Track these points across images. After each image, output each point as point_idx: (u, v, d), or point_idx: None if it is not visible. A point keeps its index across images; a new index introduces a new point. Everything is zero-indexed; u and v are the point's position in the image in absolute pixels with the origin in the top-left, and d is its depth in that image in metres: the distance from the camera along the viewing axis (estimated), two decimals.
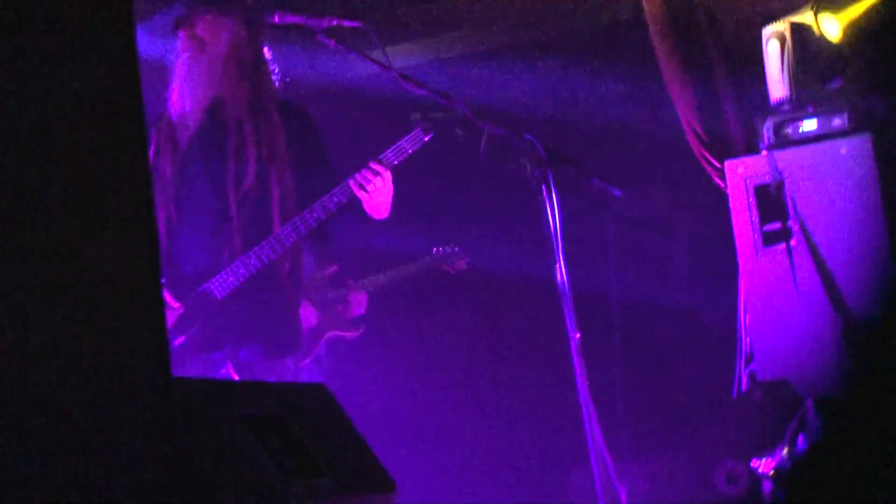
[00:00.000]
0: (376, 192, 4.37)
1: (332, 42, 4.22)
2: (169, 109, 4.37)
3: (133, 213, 1.99)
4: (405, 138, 4.55)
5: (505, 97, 6.11)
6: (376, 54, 4.31)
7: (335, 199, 4.35)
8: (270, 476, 2.36)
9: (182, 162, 4.33)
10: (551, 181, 4.20)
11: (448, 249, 5.87)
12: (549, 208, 4.17)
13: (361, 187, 4.34)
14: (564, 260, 4.12)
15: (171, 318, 4.17)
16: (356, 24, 4.25)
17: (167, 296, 4.20)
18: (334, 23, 4.23)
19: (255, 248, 4.28)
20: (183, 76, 4.31)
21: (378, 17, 6.27)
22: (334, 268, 5.59)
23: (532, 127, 4.44)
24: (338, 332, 5.55)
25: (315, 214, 4.33)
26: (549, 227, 4.15)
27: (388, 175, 4.38)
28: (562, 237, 4.14)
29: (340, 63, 5.57)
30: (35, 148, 1.86)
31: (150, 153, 4.22)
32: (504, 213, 6.26)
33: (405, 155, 4.51)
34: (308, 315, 5.37)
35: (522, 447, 6.46)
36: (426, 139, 4.54)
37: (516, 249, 6.14)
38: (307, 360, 5.33)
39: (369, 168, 4.35)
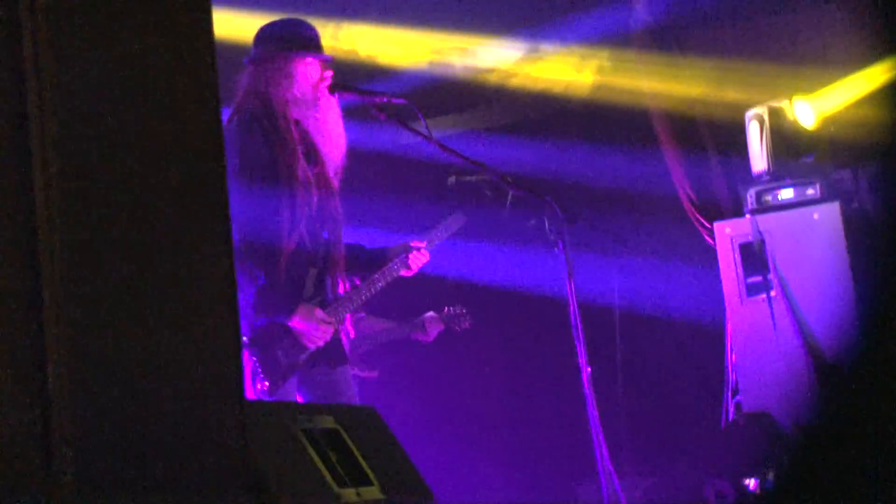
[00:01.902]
0: (417, 268, 4.36)
1: (382, 116, 4.21)
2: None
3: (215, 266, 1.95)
4: (447, 222, 4.56)
5: (528, 163, 6.08)
6: (419, 126, 4.30)
7: (391, 275, 4.33)
8: (325, 484, 2.32)
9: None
10: (566, 236, 4.17)
11: (456, 310, 5.68)
12: (563, 260, 4.14)
13: (407, 267, 4.33)
14: (576, 302, 4.09)
15: (328, 334, 4.09)
16: (403, 101, 4.25)
17: (323, 314, 4.05)
18: (385, 100, 4.23)
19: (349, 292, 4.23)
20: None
21: (420, 95, 6.28)
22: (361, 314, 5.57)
23: (551, 190, 4.41)
24: (356, 372, 5.48)
25: (379, 283, 4.31)
26: (564, 275, 4.12)
27: (428, 256, 4.38)
28: (574, 283, 4.10)
29: (390, 133, 5.57)
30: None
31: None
32: (524, 257, 6.19)
33: (445, 237, 4.53)
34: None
35: (535, 460, 6.38)
36: (463, 222, 4.56)
37: (534, 282, 6.04)
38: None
39: (417, 252, 4.33)
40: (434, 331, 5.61)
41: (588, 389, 3.97)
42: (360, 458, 2.46)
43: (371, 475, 2.43)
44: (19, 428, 1.65)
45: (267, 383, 3.93)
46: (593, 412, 3.95)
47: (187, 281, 1.89)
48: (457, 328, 5.69)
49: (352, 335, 4.23)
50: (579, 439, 4.33)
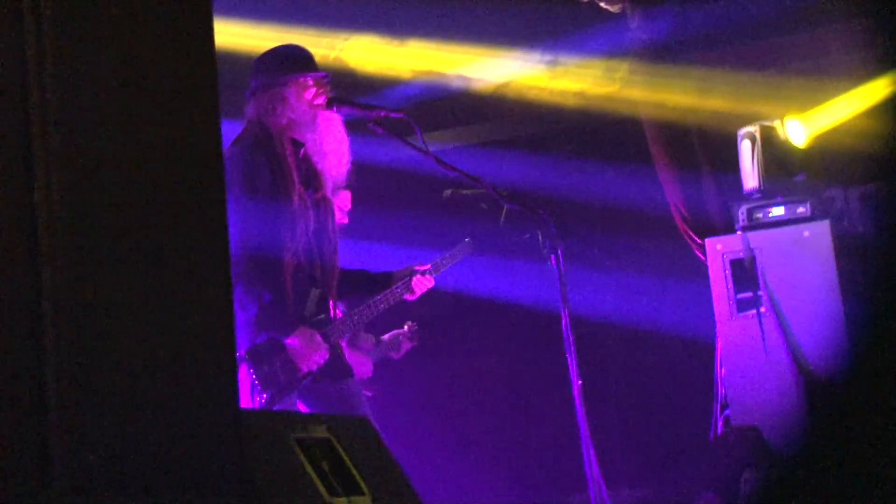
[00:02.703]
0: (420, 292, 4.41)
1: (380, 130, 4.23)
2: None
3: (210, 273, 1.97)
4: (454, 250, 4.61)
5: (522, 178, 6.10)
6: (415, 140, 4.32)
7: (394, 298, 4.37)
8: (317, 493, 2.33)
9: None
10: (560, 251, 4.19)
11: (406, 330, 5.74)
12: (557, 274, 4.16)
13: (411, 291, 4.37)
14: (569, 316, 4.11)
15: (323, 359, 4.11)
16: (400, 115, 4.26)
17: (320, 339, 4.08)
18: (382, 114, 4.25)
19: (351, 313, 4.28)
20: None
21: (418, 109, 6.30)
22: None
23: (544, 204, 4.43)
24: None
25: (381, 305, 4.35)
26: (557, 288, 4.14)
27: (433, 282, 4.42)
28: (567, 297, 4.12)
29: (387, 147, 5.59)
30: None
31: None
32: (518, 270, 6.20)
33: (451, 264, 4.57)
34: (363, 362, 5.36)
35: (526, 472, 6.38)
36: (470, 251, 4.60)
37: (527, 295, 6.06)
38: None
39: (421, 276, 4.37)
40: (405, 347, 5.67)
41: (579, 402, 3.99)
42: (353, 468, 2.47)
43: (363, 485, 2.45)
44: (16, 437, 1.66)
45: (265, 396, 3.95)
46: (584, 425, 3.96)
47: (184, 292, 1.91)
48: (396, 356, 5.71)
49: (347, 355, 4.25)
50: (570, 452, 4.35)
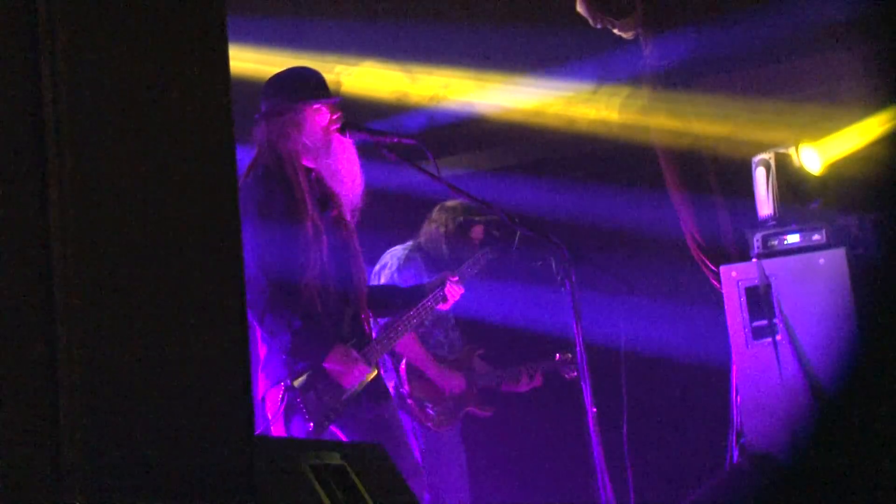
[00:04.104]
0: (453, 300, 4.46)
1: (392, 155, 4.24)
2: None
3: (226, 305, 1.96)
4: (476, 257, 4.73)
5: (535, 204, 6.10)
6: (428, 166, 4.33)
7: (428, 310, 4.44)
8: None
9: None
10: (573, 277, 4.17)
11: (568, 357, 5.70)
12: (570, 300, 4.15)
13: (444, 300, 4.42)
14: (582, 342, 4.09)
15: (364, 374, 4.09)
16: (412, 142, 4.27)
17: (357, 354, 4.06)
18: (395, 140, 4.26)
19: (386, 331, 4.30)
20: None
21: (430, 135, 6.32)
22: (481, 350, 5.60)
23: (557, 230, 4.42)
24: (475, 410, 5.50)
25: (415, 320, 4.39)
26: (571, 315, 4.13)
27: (463, 289, 4.48)
28: (581, 324, 4.11)
29: (400, 173, 5.60)
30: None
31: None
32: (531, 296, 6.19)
33: (475, 273, 4.62)
34: (457, 384, 5.34)
35: (540, 500, 6.35)
36: (490, 258, 4.66)
37: (541, 321, 6.04)
38: (449, 428, 5.27)
39: (452, 284, 4.43)
40: (525, 383, 5.66)
41: (593, 430, 3.97)
42: (367, 496, 2.45)
43: None
44: (30, 452, 1.66)
45: (311, 425, 3.93)
46: (598, 453, 3.94)
47: (198, 311, 1.90)
48: (566, 376, 5.69)
49: (379, 371, 4.25)
50: (584, 479, 4.32)
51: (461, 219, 5.46)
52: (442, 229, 5.48)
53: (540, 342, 5.79)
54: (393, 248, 5.56)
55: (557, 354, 5.71)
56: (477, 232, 5.49)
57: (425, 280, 5.02)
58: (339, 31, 6.09)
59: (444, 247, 5.45)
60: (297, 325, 3.94)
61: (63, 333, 1.70)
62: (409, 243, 5.53)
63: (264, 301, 3.91)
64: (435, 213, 5.56)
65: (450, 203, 5.56)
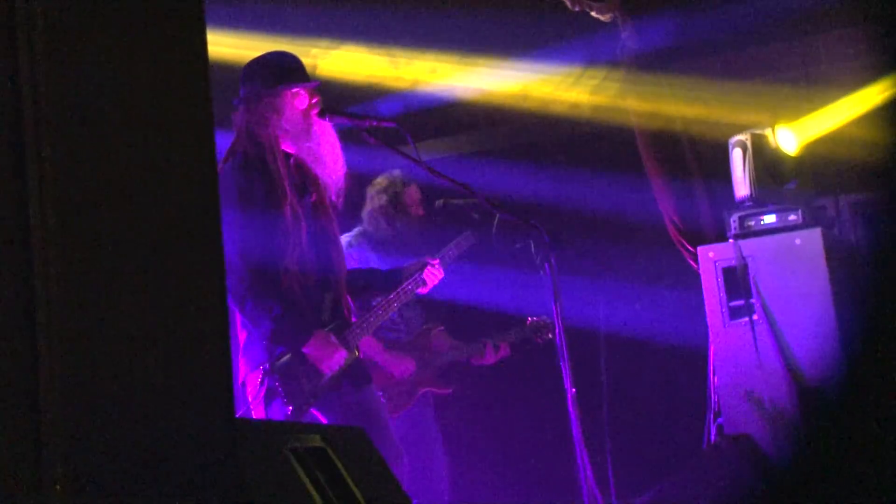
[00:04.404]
0: (432, 284, 4.46)
1: (372, 139, 4.24)
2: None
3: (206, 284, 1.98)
4: (457, 241, 4.68)
5: (515, 187, 6.12)
6: (408, 150, 4.33)
7: (407, 293, 4.44)
8: (313, 503, 2.33)
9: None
10: (553, 260, 4.19)
11: (541, 321, 5.65)
12: (550, 283, 4.17)
13: (424, 284, 4.44)
14: (562, 324, 4.11)
15: (343, 359, 4.12)
16: (392, 124, 4.28)
17: (336, 339, 4.09)
18: (374, 124, 4.26)
19: (366, 315, 4.32)
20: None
21: (410, 119, 6.32)
22: (441, 327, 5.57)
23: (537, 214, 4.44)
24: (432, 389, 5.48)
25: (395, 304, 4.41)
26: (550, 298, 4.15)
27: (443, 273, 4.48)
28: (560, 306, 4.13)
29: (379, 156, 5.61)
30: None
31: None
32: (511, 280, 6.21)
33: (456, 256, 4.62)
34: (406, 367, 5.32)
35: (520, 481, 6.38)
36: (472, 242, 4.66)
37: (521, 305, 6.06)
38: (416, 411, 5.26)
39: (432, 268, 4.43)
40: (491, 355, 5.63)
41: (573, 411, 4.00)
42: (348, 478, 2.47)
43: (358, 495, 2.45)
44: (10, 442, 1.67)
45: (290, 408, 3.95)
46: (578, 434, 3.97)
47: (178, 300, 1.91)
48: (540, 341, 5.66)
49: (359, 355, 4.26)
50: (564, 461, 4.35)
51: (391, 191, 5.46)
52: (376, 207, 5.47)
53: (518, 324, 5.79)
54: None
55: (529, 318, 5.69)
56: (411, 197, 5.45)
57: (373, 265, 5.04)
58: (317, 15, 6.07)
59: (384, 224, 5.44)
60: (277, 312, 3.95)
61: (43, 320, 1.71)
62: (355, 230, 5.52)
63: (244, 288, 3.91)
64: (367, 194, 5.54)
65: (378, 179, 5.54)
